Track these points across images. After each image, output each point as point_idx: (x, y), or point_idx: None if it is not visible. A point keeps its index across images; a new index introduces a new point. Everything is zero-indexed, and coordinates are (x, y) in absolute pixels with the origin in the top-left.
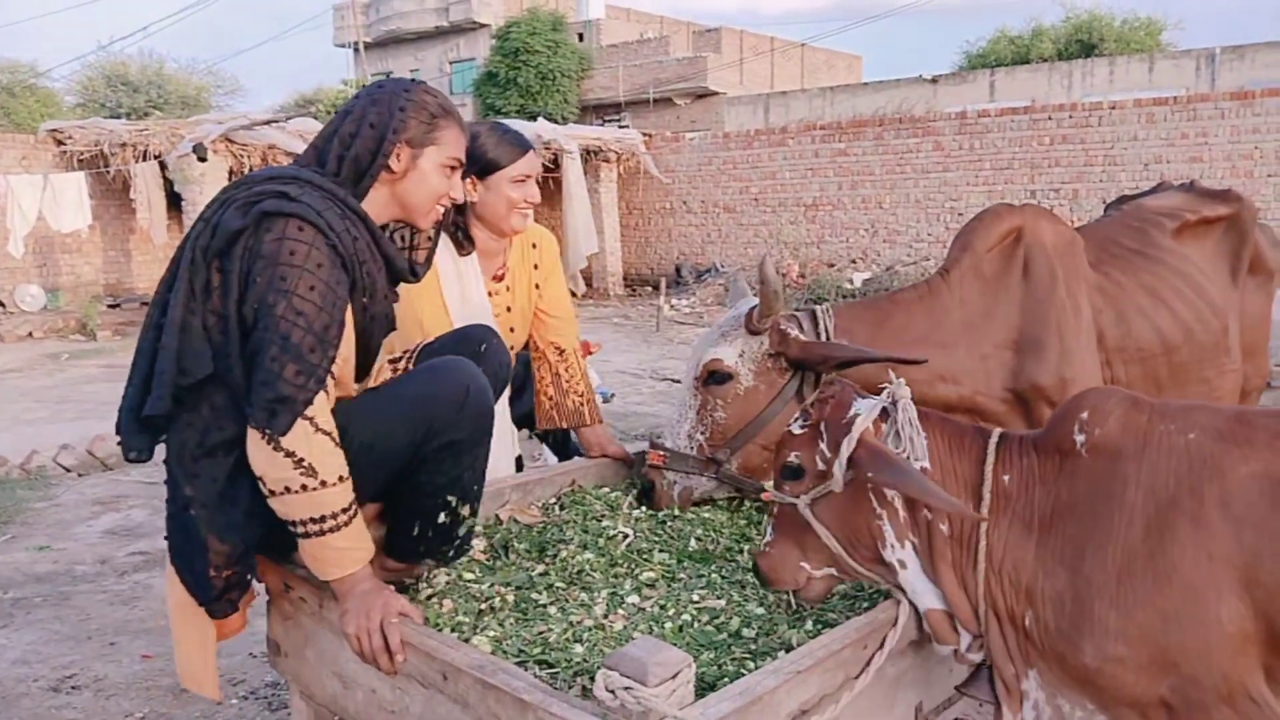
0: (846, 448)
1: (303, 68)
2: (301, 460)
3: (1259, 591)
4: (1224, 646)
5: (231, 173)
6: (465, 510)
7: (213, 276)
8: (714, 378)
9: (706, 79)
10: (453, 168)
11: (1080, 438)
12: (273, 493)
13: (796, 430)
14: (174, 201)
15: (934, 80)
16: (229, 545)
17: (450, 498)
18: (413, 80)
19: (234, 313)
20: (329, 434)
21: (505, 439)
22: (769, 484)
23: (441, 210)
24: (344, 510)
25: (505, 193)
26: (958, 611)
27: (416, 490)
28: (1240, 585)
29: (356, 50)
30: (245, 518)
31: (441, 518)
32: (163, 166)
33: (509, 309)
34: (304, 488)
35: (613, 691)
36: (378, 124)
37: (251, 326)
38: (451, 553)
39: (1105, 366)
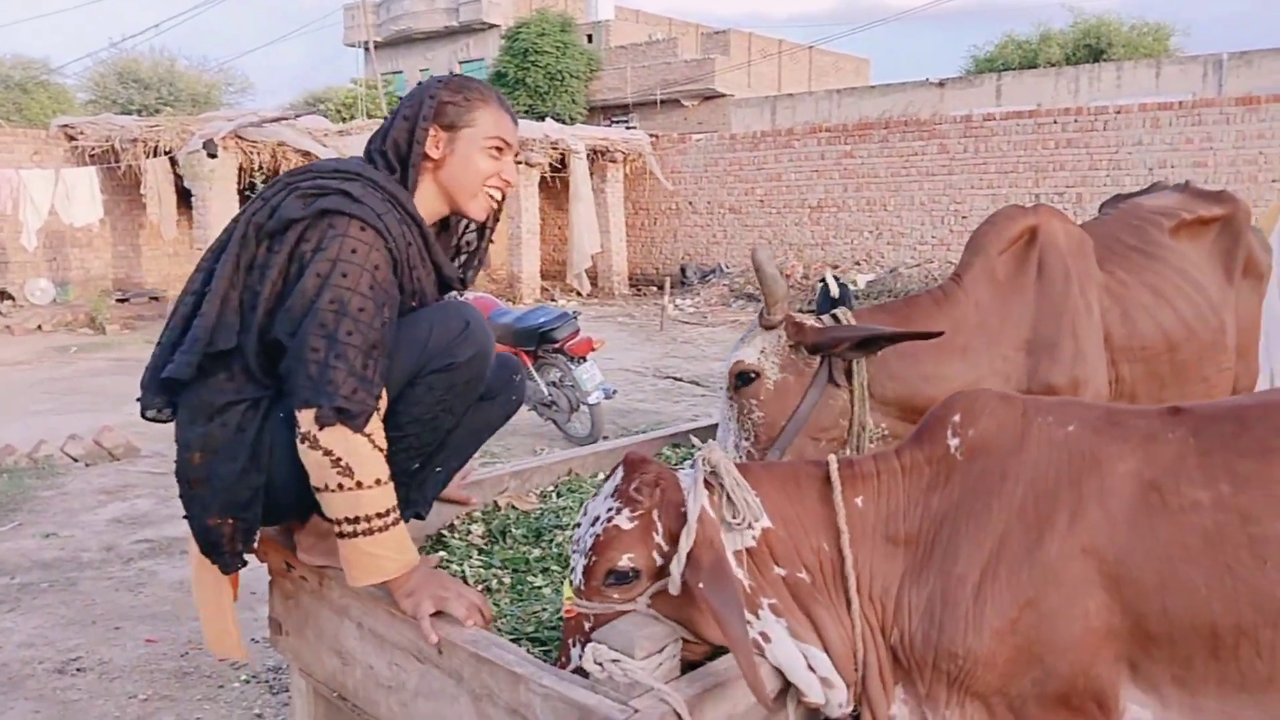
0: (686, 542)
1: (313, 66)
2: (339, 459)
3: (1128, 588)
4: (1088, 641)
5: (241, 169)
6: (438, 460)
7: (259, 254)
8: (741, 379)
9: (714, 81)
10: (498, 149)
11: (954, 441)
12: (316, 489)
13: (625, 524)
14: (184, 197)
15: (940, 84)
16: (230, 495)
17: (428, 438)
18: (451, 74)
19: (268, 294)
20: (369, 435)
21: None
22: (566, 594)
23: (495, 197)
24: (379, 515)
25: None
26: (838, 661)
27: (403, 415)
28: (1110, 581)
29: (366, 49)
30: (243, 472)
31: (415, 464)
32: (173, 163)
33: None
34: (340, 486)
35: (601, 664)
36: (410, 115)
37: (300, 317)
38: (417, 506)
39: (1110, 365)
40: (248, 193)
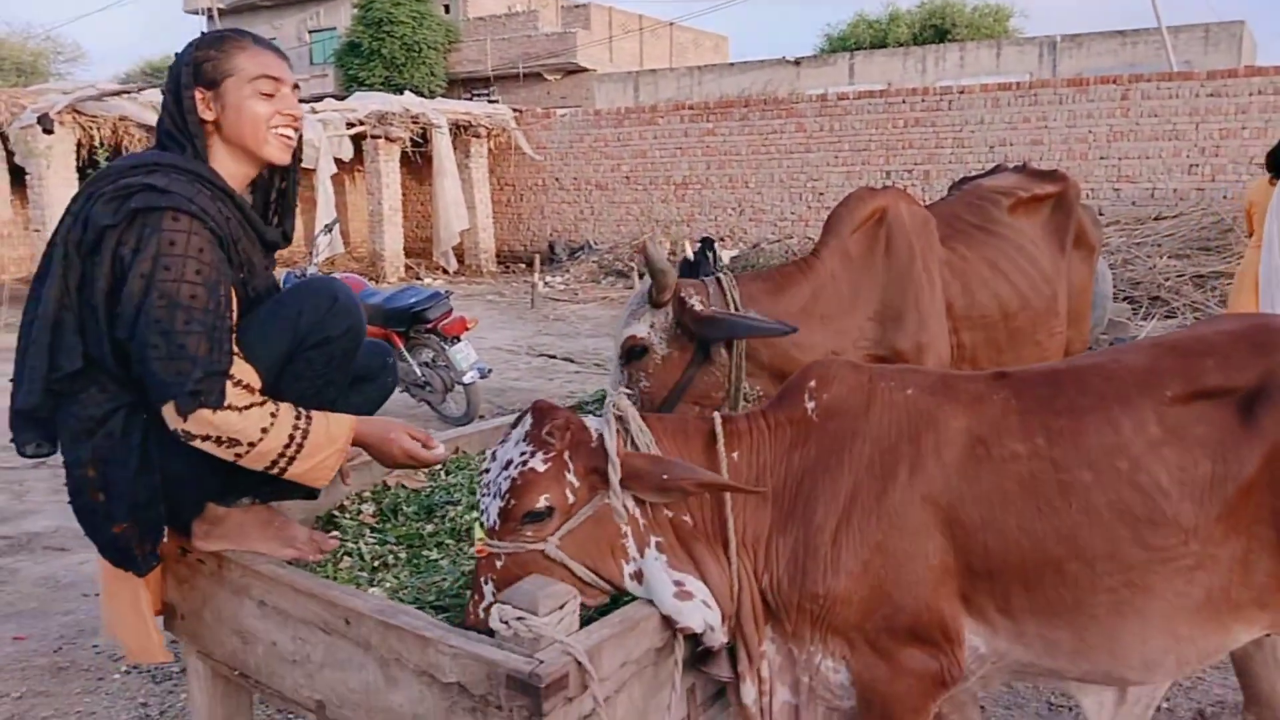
0: (615, 472)
1: (150, 34)
2: (219, 439)
3: (959, 530)
4: (928, 578)
5: (80, 145)
6: None
7: (88, 271)
8: (633, 353)
9: (576, 55)
10: (269, 93)
11: (811, 404)
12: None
13: (540, 467)
14: (16, 175)
15: (797, 62)
16: (131, 499)
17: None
18: (202, 34)
19: (102, 305)
20: (230, 406)
21: None
22: (478, 535)
23: (288, 135)
24: (285, 446)
25: None
26: (715, 592)
27: (287, 394)
28: (944, 524)
29: (210, 16)
30: (137, 473)
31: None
32: (3, 139)
33: None
34: (238, 455)
35: (506, 622)
36: (173, 87)
37: (133, 319)
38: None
39: (952, 334)
40: (89, 170)
